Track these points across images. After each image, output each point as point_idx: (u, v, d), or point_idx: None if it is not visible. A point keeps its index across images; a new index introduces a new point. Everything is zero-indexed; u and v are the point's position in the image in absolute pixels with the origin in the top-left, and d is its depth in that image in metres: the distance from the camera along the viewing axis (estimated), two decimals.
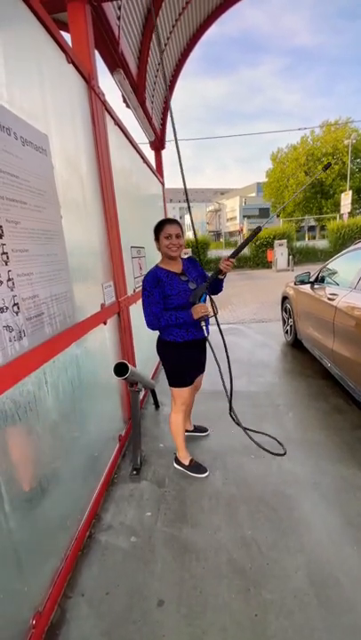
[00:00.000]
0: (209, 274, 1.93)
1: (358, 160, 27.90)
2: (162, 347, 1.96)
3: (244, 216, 40.48)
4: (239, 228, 34.40)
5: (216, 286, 1.93)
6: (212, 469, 2.13)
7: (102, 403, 2.11)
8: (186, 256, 2.03)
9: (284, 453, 2.04)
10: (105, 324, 2.14)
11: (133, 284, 2.98)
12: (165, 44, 4.01)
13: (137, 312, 2.97)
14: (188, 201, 1.82)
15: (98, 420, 2.00)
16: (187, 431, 2.50)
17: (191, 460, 2.15)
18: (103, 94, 2.21)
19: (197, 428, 2.57)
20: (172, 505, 1.85)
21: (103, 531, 1.69)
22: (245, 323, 6.05)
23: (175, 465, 2.18)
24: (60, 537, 1.46)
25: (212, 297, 1.94)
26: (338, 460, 2.15)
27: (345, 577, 1.41)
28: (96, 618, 1.28)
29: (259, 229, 1.81)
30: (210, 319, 1.85)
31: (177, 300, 1.80)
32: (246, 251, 17.04)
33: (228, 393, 1.93)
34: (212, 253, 17.47)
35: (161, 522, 1.74)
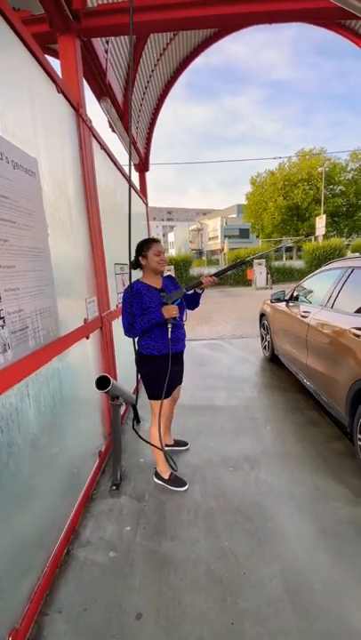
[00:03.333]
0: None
1: (331, 186, 29.67)
2: (140, 360, 2.03)
3: (225, 236, 41.71)
4: (220, 247, 35.38)
5: (194, 300, 2.12)
6: (192, 483, 2.16)
7: (83, 418, 2.12)
8: (166, 274, 2.17)
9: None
10: (87, 338, 2.18)
11: (116, 299, 3.05)
12: (150, 76, 4.27)
13: (119, 327, 3.03)
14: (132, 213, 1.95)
15: (78, 435, 2.00)
16: (167, 445, 2.53)
17: (171, 474, 2.17)
18: (90, 121, 2.34)
19: (178, 443, 2.60)
20: (151, 519, 1.86)
21: (82, 547, 1.68)
22: (226, 338, 6.18)
23: (155, 479, 2.20)
24: (38, 554, 1.44)
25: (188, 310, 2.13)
26: (313, 471, 2.23)
27: (318, 584, 1.47)
28: (73, 634, 1.27)
29: (244, 262, 2.15)
30: (185, 332, 2.03)
31: (146, 323, 1.90)
32: None
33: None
34: (195, 271, 17.84)
35: (140, 536, 1.74)
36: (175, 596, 1.42)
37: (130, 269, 1.81)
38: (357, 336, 2.17)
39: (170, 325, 1.93)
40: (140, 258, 2.00)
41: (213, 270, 17.62)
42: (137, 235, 4.60)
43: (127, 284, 1.89)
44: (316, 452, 2.45)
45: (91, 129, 2.36)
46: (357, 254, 2.90)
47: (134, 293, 1.93)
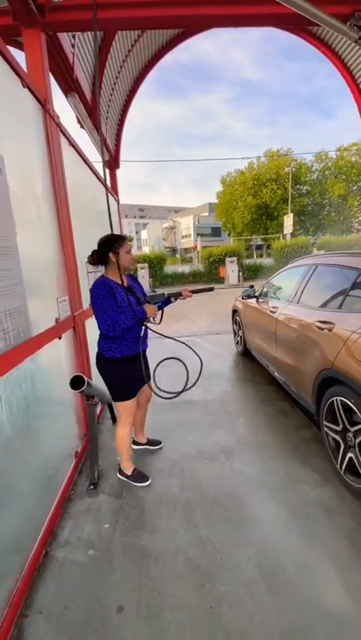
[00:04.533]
0: (157, 290, 2.24)
1: (298, 186, 30.79)
2: (101, 363, 2.02)
3: (197, 234, 42.08)
4: (193, 245, 35.62)
5: (165, 303, 2.20)
6: (170, 476, 2.20)
7: (57, 419, 2.10)
8: (126, 272, 2.13)
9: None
10: (60, 338, 2.15)
11: (89, 298, 3.01)
12: (119, 72, 4.23)
13: (93, 326, 3.00)
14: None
15: (53, 436, 1.98)
16: (140, 444, 2.56)
17: (134, 470, 2.20)
18: (58, 117, 2.30)
19: (151, 442, 2.60)
20: (130, 515, 1.88)
21: (60, 547, 1.67)
22: (201, 335, 6.27)
23: (118, 475, 2.22)
24: (15, 558, 1.42)
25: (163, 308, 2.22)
26: (284, 459, 2.35)
27: (290, 563, 1.56)
28: (55, 632, 1.27)
29: (212, 289, 2.48)
30: (148, 333, 2.08)
31: (127, 321, 1.86)
32: (201, 267, 17.72)
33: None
34: (169, 269, 17.85)
35: (119, 532, 1.76)
36: (155, 586, 1.46)
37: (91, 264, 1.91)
38: (321, 329, 2.31)
39: (145, 325, 1.97)
40: (111, 254, 1.93)
41: (188, 269, 17.75)
42: (105, 233, 4.56)
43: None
44: (286, 441, 2.57)
45: (59, 125, 2.32)
46: (322, 252, 3.06)
47: (108, 290, 1.87)
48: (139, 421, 2.49)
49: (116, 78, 4.24)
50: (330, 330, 2.22)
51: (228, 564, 1.56)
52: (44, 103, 2.07)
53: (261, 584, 1.46)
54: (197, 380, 2.16)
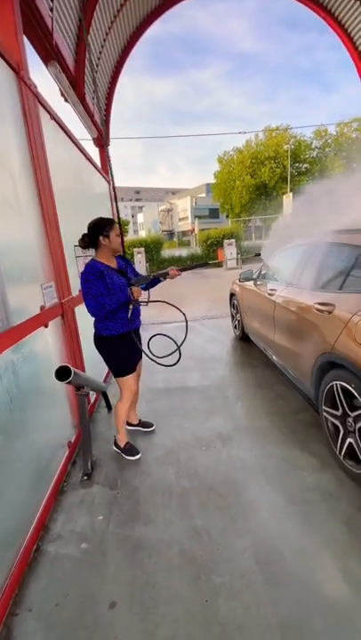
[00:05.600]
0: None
1: (297, 164, 29.92)
2: (100, 342, 2.12)
3: (195, 216, 41.25)
4: (191, 228, 35.02)
5: (152, 284, 2.24)
6: (166, 465, 2.16)
7: (48, 410, 2.03)
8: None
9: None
10: (46, 327, 2.05)
11: (78, 284, 2.89)
12: (105, 40, 3.94)
13: (85, 313, 2.90)
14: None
15: (44, 428, 1.91)
16: (132, 425, 2.59)
17: (126, 444, 2.30)
18: (35, 86, 2.11)
19: (142, 423, 2.61)
20: (124, 506, 1.84)
21: (52, 541, 1.63)
22: (198, 320, 6.18)
23: (113, 447, 2.36)
24: (4, 554, 1.38)
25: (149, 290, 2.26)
26: (282, 443, 2.30)
27: (287, 551, 1.52)
28: (45, 630, 1.23)
29: (206, 264, 2.72)
30: (140, 310, 2.17)
31: (113, 304, 1.94)
32: (199, 250, 17.42)
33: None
34: (166, 253, 17.56)
35: (113, 524, 1.72)
36: (149, 580, 1.42)
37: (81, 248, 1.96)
38: (321, 311, 2.21)
39: (131, 307, 2.00)
40: (102, 237, 1.99)
41: (185, 252, 17.44)
42: (95, 215, 4.37)
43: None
44: (284, 425, 2.52)
45: (36, 95, 2.13)
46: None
47: (98, 273, 1.93)
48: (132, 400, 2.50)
49: (102, 47, 3.95)
50: (330, 312, 2.12)
51: (224, 555, 1.52)
52: (18, 69, 1.88)
53: (258, 574, 1.42)
54: (185, 337, 2.24)
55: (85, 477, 2.03)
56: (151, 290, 2.25)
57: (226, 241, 15.15)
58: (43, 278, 2.09)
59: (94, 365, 3.06)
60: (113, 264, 2.09)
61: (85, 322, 2.95)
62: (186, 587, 1.38)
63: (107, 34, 3.98)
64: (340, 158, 29.01)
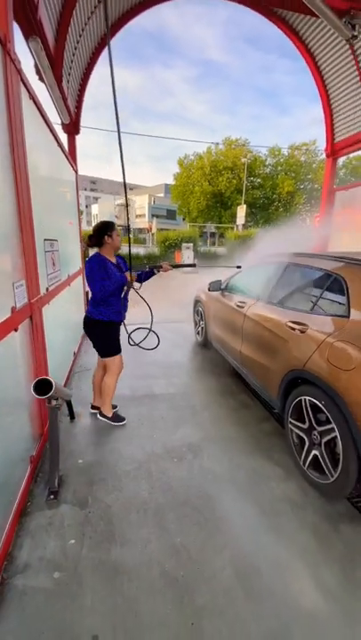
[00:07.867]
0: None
1: (252, 178, 31.49)
2: (91, 325, 2.49)
3: (152, 215, 40.95)
4: (148, 226, 34.71)
5: (146, 277, 2.63)
6: (138, 479, 2.09)
7: (4, 419, 1.82)
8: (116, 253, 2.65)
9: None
10: (16, 330, 1.85)
11: (47, 282, 2.67)
12: (86, 24, 3.71)
13: (50, 314, 2.67)
14: (126, 195, 2.13)
15: (2, 440, 1.71)
16: (95, 408, 2.82)
17: (114, 413, 2.70)
18: (19, 62, 1.90)
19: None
20: (97, 526, 1.74)
21: (19, 572, 1.46)
22: (160, 323, 6.12)
23: (99, 417, 2.71)
24: None
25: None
26: (249, 454, 2.38)
27: (264, 564, 1.57)
28: None
29: (194, 265, 3.22)
30: (127, 305, 2.62)
31: (113, 285, 2.33)
32: (156, 251, 17.37)
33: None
34: (124, 249, 17.15)
35: (87, 548, 1.61)
36: (131, 606, 1.35)
37: (88, 246, 2.39)
38: (293, 329, 2.34)
39: (125, 288, 2.41)
40: (106, 237, 2.42)
41: (143, 250, 17.23)
42: (67, 206, 4.09)
43: (57, 263, 2.36)
44: (249, 434, 2.62)
45: (19, 71, 1.92)
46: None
47: (101, 264, 2.37)
48: (99, 384, 2.75)
49: (82, 30, 3.71)
50: (302, 331, 2.25)
51: (205, 573, 1.51)
52: (4, 41, 1.67)
53: (239, 590, 1.45)
54: (151, 325, 2.62)
55: (52, 496, 1.86)
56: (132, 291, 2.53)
57: (184, 244, 15.34)
58: (14, 275, 1.88)
59: (57, 371, 2.86)
60: (113, 260, 2.52)
61: (52, 322, 2.73)
62: (170, 610, 1.35)
63: (89, 18, 3.74)
64: (289, 177, 31.25)
